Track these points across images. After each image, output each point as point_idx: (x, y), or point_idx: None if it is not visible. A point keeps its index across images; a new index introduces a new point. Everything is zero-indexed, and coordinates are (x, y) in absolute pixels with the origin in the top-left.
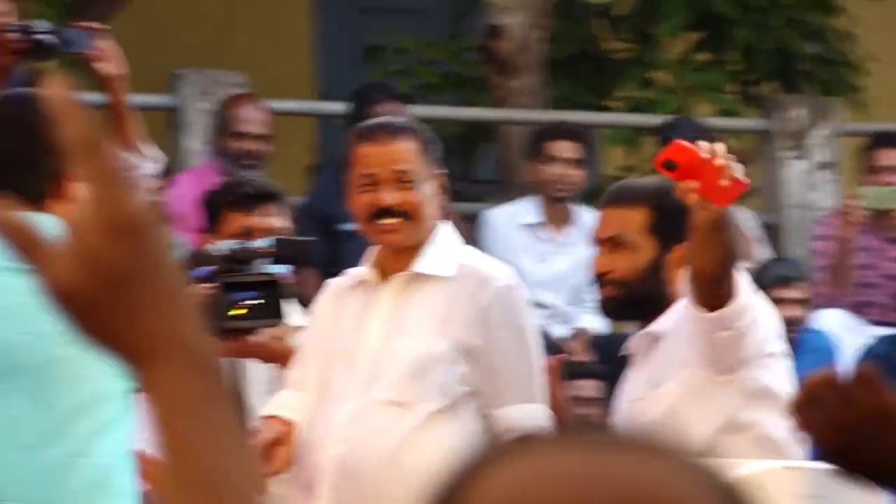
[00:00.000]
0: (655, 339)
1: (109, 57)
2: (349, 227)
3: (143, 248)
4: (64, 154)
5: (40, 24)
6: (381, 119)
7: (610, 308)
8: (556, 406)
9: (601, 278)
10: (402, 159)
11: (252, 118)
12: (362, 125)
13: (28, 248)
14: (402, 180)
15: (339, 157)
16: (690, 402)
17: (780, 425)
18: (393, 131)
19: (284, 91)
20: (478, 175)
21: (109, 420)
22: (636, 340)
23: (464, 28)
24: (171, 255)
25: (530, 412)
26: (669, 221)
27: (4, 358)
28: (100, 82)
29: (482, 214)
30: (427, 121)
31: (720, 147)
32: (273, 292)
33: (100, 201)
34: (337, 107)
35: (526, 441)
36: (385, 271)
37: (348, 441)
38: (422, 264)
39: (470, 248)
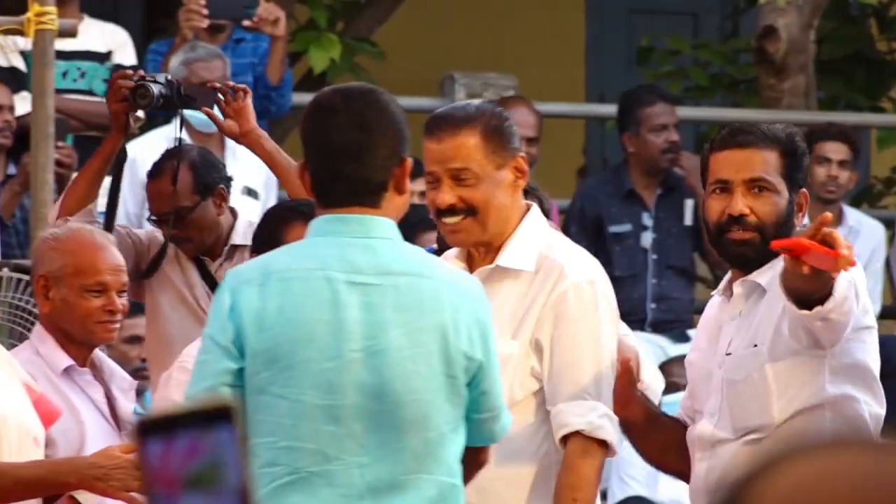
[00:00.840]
0: (760, 290)
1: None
2: (618, 228)
3: None
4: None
5: (160, 76)
6: (445, 110)
7: (745, 253)
8: (625, 404)
9: (738, 220)
10: (459, 156)
11: (523, 121)
12: (431, 116)
13: None
14: (461, 178)
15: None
16: (780, 372)
17: (868, 400)
18: (454, 125)
19: (555, 94)
20: None
21: None
22: (740, 287)
23: (736, 29)
24: None
25: (581, 409)
26: (797, 166)
27: None
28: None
29: None
30: (696, 122)
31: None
32: None
33: None
34: (607, 109)
35: (814, 443)
36: (471, 266)
37: None
38: (503, 258)
39: (557, 235)
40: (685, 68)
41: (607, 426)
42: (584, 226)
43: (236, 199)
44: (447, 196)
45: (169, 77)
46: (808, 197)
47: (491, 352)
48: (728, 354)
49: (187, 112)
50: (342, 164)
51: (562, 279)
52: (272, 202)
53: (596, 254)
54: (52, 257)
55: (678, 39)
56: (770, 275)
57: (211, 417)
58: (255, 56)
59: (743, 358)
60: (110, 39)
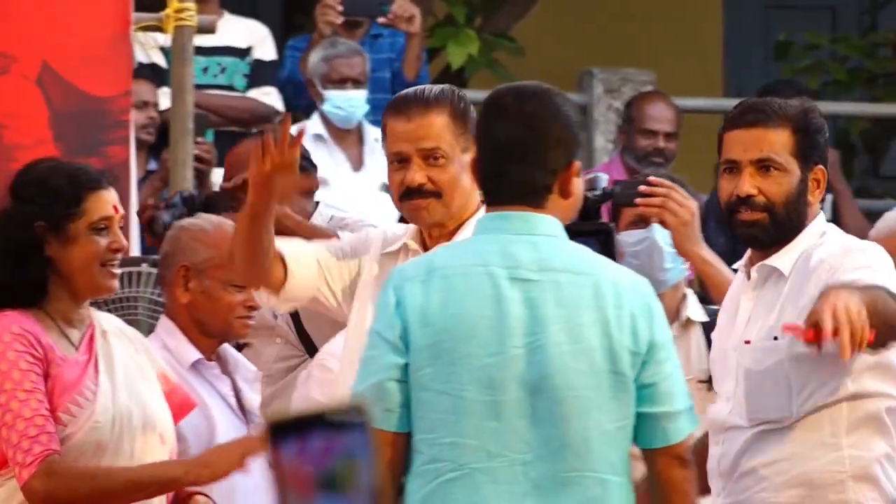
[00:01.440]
0: (777, 274)
1: None
2: None
3: None
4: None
5: (176, 197)
6: (409, 91)
7: (755, 233)
8: None
9: (746, 201)
10: (430, 136)
11: (661, 116)
12: (396, 96)
13: None
14: (434, 157)
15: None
16: (801, 368)
17: (890, 393)
18: (424, 104)
19: (693, 88)
20: (884, 171)
21: None
22: (756, 272)
23: (875, 23)
24: None
25: None
26: (810, 143)
27: None
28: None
29: (888, 211)
30: (834, 117)
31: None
32: None
33: None
34: None
35: None
36: (426, 247)
37: None
38: (463, 237)
39: None
40: (823, 63)
41: None
42: (722, 220)
43: (375, 195)
44: (418, 175)
45: (187, 193)
46: (826, 174)
47: (660, 346)
48: (747, 342)
49: (326, 107)
50: (508, 163)
51: None
52: None
53: (733, 249)
54: (195, 248)
55: (816, 34)
56: (788, 259)
57: (344, 418)
58: (393, 52)
59: (763, 350)
60: (250, 35)
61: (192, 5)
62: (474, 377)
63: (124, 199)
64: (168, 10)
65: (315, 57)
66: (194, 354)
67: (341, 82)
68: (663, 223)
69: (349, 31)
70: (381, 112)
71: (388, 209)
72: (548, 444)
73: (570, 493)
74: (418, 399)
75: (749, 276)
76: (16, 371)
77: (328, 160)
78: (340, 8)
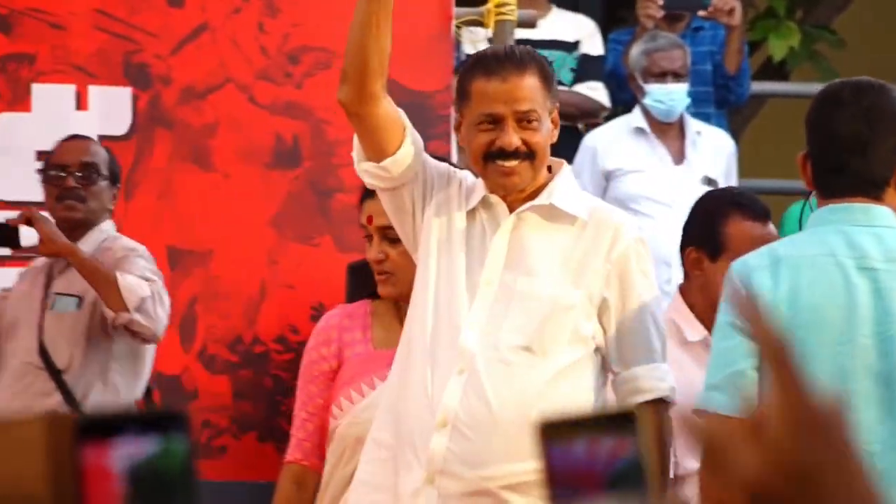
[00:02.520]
0: None
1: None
2: None
3: (828, 443)
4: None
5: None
6: (497, 50)
7: None
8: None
9: None
10: (527, 97)
11: None
12: (481, 55)
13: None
14: (528, 119)
15: None
16: None
17: None
18: (519, 65)
19: None
20: None
21: None
22: None
23: None
24: (855, 448)
25: (659, 373)
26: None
27: None
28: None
29: None
30: None
31: None
32: None
33: (786, 400)
34: None
35: None
36: (511, 205)
37: (468, 390)
38: (557, 198)
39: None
40: None
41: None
42: None
43: (697, 188)
44: (514, 138)
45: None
46: None
47: None
48: None
49: (646, 101)
50: (846, 156)
51: (620, 237)
52: None
53: None
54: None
55: None
56: None
57: (618, 422)
58: (714, 44)
59: None
60: (578, 29)
61: (512, 0)
62: (825, 366)
63: None
64: (489, 5)
65: (636, 51)
66: (700, 333)
67: (662, 76)
68: None
69: (670, 25)
70: (702, 105)
71: None
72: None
73: None
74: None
75: None
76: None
77: (649, 153)
78: (661, 2)
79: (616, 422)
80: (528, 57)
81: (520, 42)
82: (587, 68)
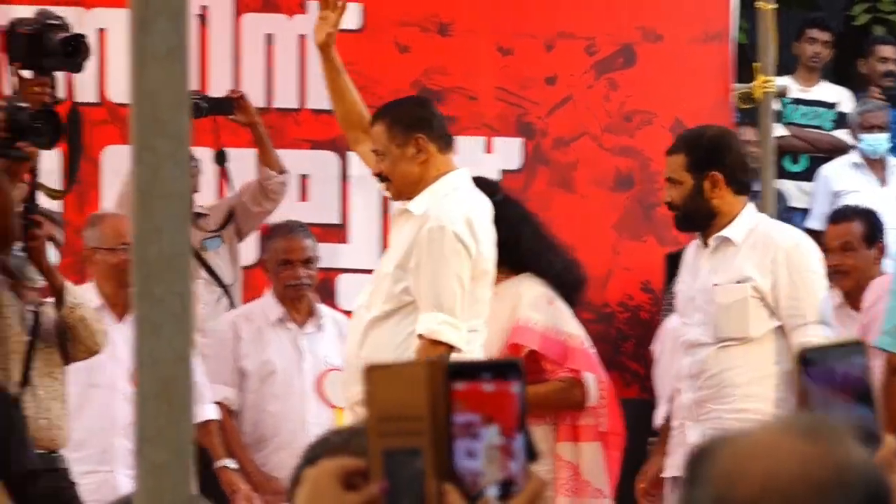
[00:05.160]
0: (728, 242)
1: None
2: None
3: None
4: None
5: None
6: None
7: (676, 224)
8: None
9: (668, 205)
10: (374, 140)
11: None
12: None
13: None
14: (377, 153)
15: None
16: (754, 310)
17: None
18: (374, 117)
19: None
20: None
21: None
22: (713, 241)
23: None
24: None
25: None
26: (702, 158)
27: None
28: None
29: None
30: None
31: None
32: None
33: None
34: None
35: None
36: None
37: None
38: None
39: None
40: None
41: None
42: None
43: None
44: (375, 167)
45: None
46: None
47: None
48: (715, 285)
49: (861, 145)
50: None
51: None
52: None
53: None
54: None
55: None
56: (737, 232)
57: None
58: None
59: (729, 291)
60: (838, 95)
61: (773, 78)
62: None
63: None
64: (757, 81)
65: (853, 112)
66: None
67: (870, 128)
68: None
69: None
70: None
71: None
72: None
73: None
74: None
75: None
76: None
77: (863, 179)
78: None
79: (851, 348)
80: (376, 115)
81: (796, 101)
82: (842, 120)
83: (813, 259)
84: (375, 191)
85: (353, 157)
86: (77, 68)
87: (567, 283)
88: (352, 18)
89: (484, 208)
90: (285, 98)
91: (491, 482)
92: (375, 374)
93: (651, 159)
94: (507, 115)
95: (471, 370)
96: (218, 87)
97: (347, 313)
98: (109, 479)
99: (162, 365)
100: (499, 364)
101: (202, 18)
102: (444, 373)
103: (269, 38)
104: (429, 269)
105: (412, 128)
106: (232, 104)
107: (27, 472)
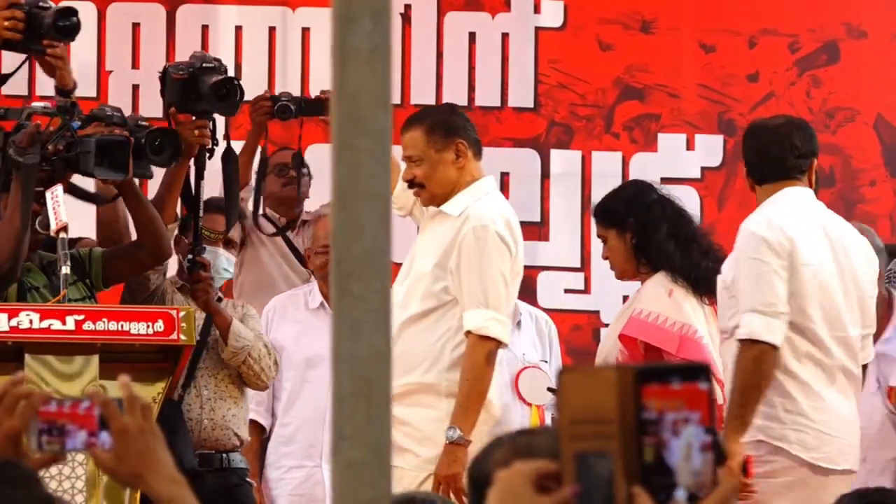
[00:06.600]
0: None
1: None
2: None
3: None
4: None
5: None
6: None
7: None
8: None
9: None
10: (408, 146)
11: None
12: None
13: None
14: (412, 160)
15: None
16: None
17: None
18: (406, 124)
19: None
20: None
21: None
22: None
23: None
24: None
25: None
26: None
27: None
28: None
29: None
30: None
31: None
32: None
33: None
34: None
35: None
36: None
37: None
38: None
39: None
40: None
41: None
42: None
43: None
44: (408, 173)
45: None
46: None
47: None
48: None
49: None
50: None
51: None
52: None
53: None
54: None
55: None
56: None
57: None
58: None
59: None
60: None
61: None
62: None
63: None
64: None
65: None
66: None
67: None
68: None
69: None
70: None
71: None
72: None
73: None
74: None
75: None
76: None
77: None
78: None
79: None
80: (414, 118)
81: None
82: None
83: None
84: (576, 189)
85: (555, 155)
86: (230, 111)
87: (701, 281)
88: (554, 16)
89: (513, 213)
90: (487, 96)
91: (683, 483)
92: (567, 379)
93: (852, 156)
94: (709, 112)
95: (661, 373)
96: (420, 86)
97: (547, 311)
98: (315, 473)
99: (360, 363)
100: (687, 367)
101: (406, 17)
102: (634, 377)
103: (472, 37)
104: (475, 267)
105: (452, 133)
106: (322, 105)
107: (185, 472)
